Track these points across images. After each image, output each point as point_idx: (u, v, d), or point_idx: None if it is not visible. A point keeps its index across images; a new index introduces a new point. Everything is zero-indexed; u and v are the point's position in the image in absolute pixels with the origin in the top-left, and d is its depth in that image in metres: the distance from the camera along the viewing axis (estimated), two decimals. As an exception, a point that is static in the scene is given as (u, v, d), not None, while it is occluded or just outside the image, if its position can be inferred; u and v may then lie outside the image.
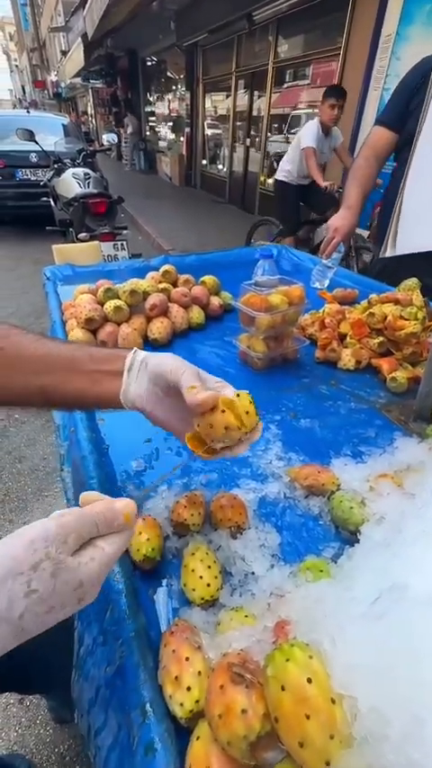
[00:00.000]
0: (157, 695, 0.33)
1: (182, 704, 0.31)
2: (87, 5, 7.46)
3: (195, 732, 0.31)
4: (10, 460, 1.87)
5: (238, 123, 6.75)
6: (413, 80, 1.17)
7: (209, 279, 1.12)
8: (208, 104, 7.89)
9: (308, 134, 2.88)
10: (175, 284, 1.08)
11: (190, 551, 0.44)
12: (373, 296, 0.94)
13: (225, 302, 1.10)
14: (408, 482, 0.51)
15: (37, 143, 3.73)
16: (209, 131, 8.05)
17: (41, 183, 4.10)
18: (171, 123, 9.79)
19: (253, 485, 0.57)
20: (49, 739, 1.05)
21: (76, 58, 11.96)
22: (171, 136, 9.83)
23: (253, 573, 0.44)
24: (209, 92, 7.74)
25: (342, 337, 0.93)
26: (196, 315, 1.02)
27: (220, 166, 7.66)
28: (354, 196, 1.27)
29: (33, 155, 4.72)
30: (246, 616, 0.38)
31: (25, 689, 0.91)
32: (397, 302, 0.90)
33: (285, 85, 5.33)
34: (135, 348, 0.45)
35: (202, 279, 1.12)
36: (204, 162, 8.33)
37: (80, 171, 3.50)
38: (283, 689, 0.26)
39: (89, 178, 3.43)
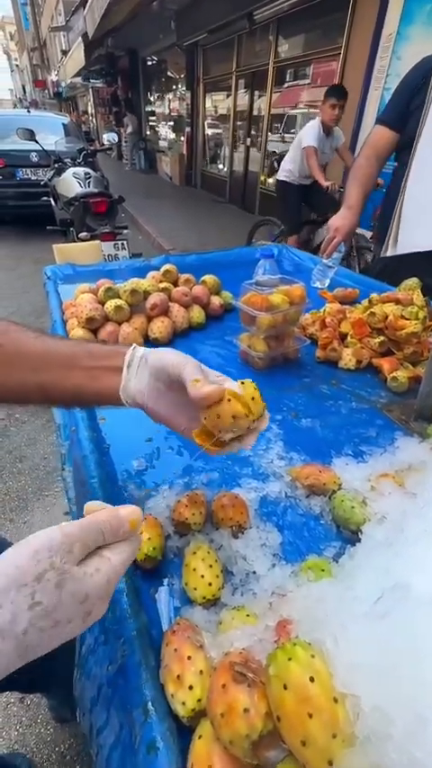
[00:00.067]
0: (159, 694, 0.33)
1: (184, 703, 0.31)
2: (88, 5, 7.46)
3: (197, 731, 0.31)
4: (10, 460, 1.88)
5: (239, 123, 6.75)
6: (414, 79, 1.17)
7: (209, 278, 1.12)
8: (208, 104, 7.89)
9: (309, 133, 2.88)
10: (175, 284, 1.08)
11: (191, 550, 0.44)
12: (374, 295, 0.94)
13: (226, 302, 1.10)
14: (409, 482, 0.51)
15: (37, 142, 3.73)
16: (209, 131, 8.05)
17: (42, 183, 4.10)
18: (171, 123, 9.79)
19: (254, 484, 0.57)
20: (50, 738, 1.05)
21: (77, 58, 11.95)
22: (171, 135, 9.83)
23: (254, 572, 0.44)
24: (209, 91, 7.73)
25: (343, 337, 0.93)
26: (197, 314, 1.02)
27: (221, 166, 7.66)
28: (354, 196, 1.27)
29: (34, 154, 4.72)
30: (247, 615, 0.38)
31: (26, 688, 0.91)
32: (398, 302, 0.90)
33: (286, 85, 5.33)
34: (134, 344, 0.44)
35: (202, 278, 1.12)
36: (205, 162, 8.33)
37: (81, 170, 3.50)
38: (285, 688, 0.26)
39: (90, 177, 3.43)
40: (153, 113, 11.29)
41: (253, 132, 6.31)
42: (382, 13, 3.32)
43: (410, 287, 0.97)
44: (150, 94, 11.22)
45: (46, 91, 23.32)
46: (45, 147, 3.85)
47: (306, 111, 4.95)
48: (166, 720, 0.31)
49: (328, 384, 0.83)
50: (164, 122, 10.43)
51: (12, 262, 4.35)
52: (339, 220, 1.24)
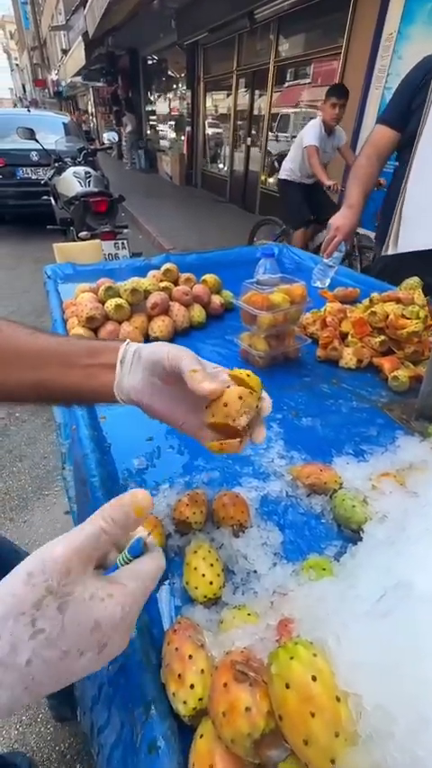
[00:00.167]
0: (161, 693, 0.33)
1: (185, 702, 0.31)
2: (88, 4, 7.45)
3: (199, 730, 0.30)
4: (10, 459, 1.88)
5: (239, 122, 6.74)
6: (415, 79, 1.17)
7: (210, 277, 1.11)
8: (209, 103, 7.88)
9: (310, 132, 2.87)
10: (176, 283, 1.08)
11: (192, 549, 0.44)
12: (375, 295, 0.94)
13: (226, 301, 1.10)
14: (410, 481, 0.51)
15: (38, 141, 3.74)
16: (210, 130, 8.05)
17: (42, 182, 4.10)
18: (172, 122, 9.78)
19: (255, 483, 0.57)
20: (50, 737, 1.05)
21: (77, 57, 11.94)
22: (172, 135, 9.83)
23: (255, 571, 0.44)
24: (210, 91, 7.73)
25: (343, 336, 0.92)
26: (197, 313, 1.02)
27: (221, 166, 7.66)
28: (355, 195, 1.27)
29: (34, 153, 4.72)
30: (248, 614, 0.38)
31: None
32: (398, 301, 0.90)
33: (286, 84, 5.32)
34: (128, 339, 0.43)
35: (203, 277, 1.12)
36: (205, 161, 8.32)
37: (81, 170, 3.50)
38: (287, 687, 0.26)
39: (90, 177, 3.42)
40: (153, 113, 11.29)
41: (253, 132, 6.31)
42: (382, 13, 3.32)
43: (411, 286, 0.97)
44: (151, 94, 11.21)
45: (46, 90, 23.31)
46: (45, 147, 3.86)
47: (305, 110, 4.95)
48: (168, 719, 0.31)
49: (328, 383, 0.83)
50: (164, 122, 10.43)
51: (12, 261, 4.35)
52: (340, 219, 1.24)
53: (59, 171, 3.70)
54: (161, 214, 6.03)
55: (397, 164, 1.30)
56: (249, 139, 6.38)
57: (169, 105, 9.85)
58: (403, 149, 1.24)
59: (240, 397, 0.37)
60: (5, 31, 46.28)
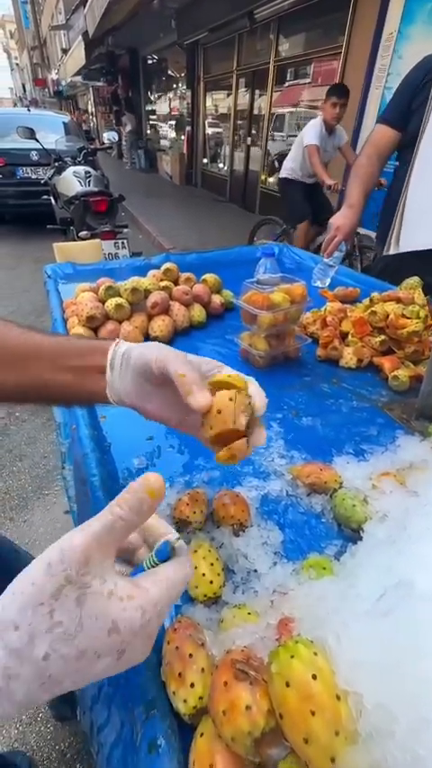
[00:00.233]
0: (161, 692, 0.33)
1: (185, 701, 0.31)
2: (88, 4, 7.45)
3: (199, 729, 0.30)
4: (10, 459, 1.88)
5: (239, 122, 6.74)
6: (416, 78, 1.17)
7: (210, 277, 1.11)
8: (209, 103, 7.88)
9: (311, 132, 2.87)
10: (176, 282, 1.08)
11: (192, 548, 0.44)
12: (375, 294, 0.94)
13: (226, 300, 1.10)
14: (410, 480, 0.51)
15: (38, 141, 3.73)
16: (210, 130, 8.04)
17: (42, 182, 4.10)
18: (172, 122, 9.78)
19: (255, 482, 0.57)
20: (50, 736, 1.05)
21: (77, 57, 11.94)
22: (172, 134, 9.82)
23: (255, 570, 0.44)
24: (210, 90, 7.73)
25: (344, 336, 0.92)
26: (198, 313, 1.02)
27: (221, 165, 7.66)
28: (356, 195, 1.27)
29: (34, 153, 4.72)
30: (249, 613, 0.38)
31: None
32: (399, 301, 0.90)
33: (286, 84, 5.32)
34: (118, 339, 0.42)
35: (203, 277, 1.12)
36: (205, 161, 8.32)
37: (81, 169, 3.50)
38: (287, 685, 0.26)
39: (90, 176, 3.42)
40: (153, 112, 11.29)
41: (253, 131, 6.31)
42: (382, 13, 3.31)
43: (411, 286, 0.97)
44: (151, 93, 11.21)
45: (46, 89, 23.29)
46: (45, 146, 3.85)
47: (305, 110, 4.95)
48: (168, 718, 0.31)
49: (328, 383, 0.83)
50: (164, 121, 10.43)
51: (12, 261, 4.34)
52: (340, 219, 1.24)
53: (59, 170, 3.70)
54: (161, 214, 6.03)
55: (397, 163, 1.30)
56: (249, 139, 6.37)
57: (169, 105, 9.85)
58: (404, 149, 1.24)
59: (231, 399, 0.36)
60: (5, 30, 46.28)
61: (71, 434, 0.69)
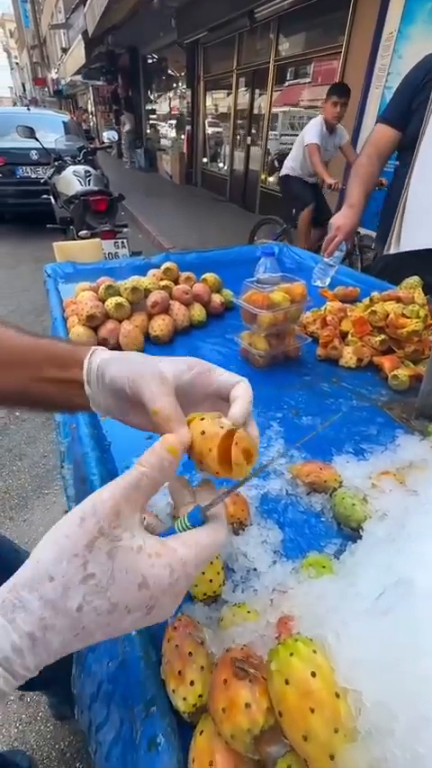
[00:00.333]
0: (161, 690, 0.33)
1: (185, 699, 0.31)
2: (88, 3, 7.44)
3: (199, 726, 0.31)
4: (10, 458, 1.87)
5: (239, 121, 6.74)
6: (416, 78, 1.17)
7: (210, 276, 1.11)
8: (209, 102, 7.87)
9: (311, 131, 2.87)
10: (176, 282, 1.08)
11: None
12: (375, 294, 0.94)
13: (226, 300, 1.10)
14: (410, 479, 0.51)
15: (37, 140, 3.73)
16: (210, 129, 8.04)
17: (42, 181, 4.09)
18: (172, 121, 9.77)
19: (255, 481, 0.57)
20: (50, 736, 1.05)
21: (77, 56, 11.93)
22: (172, 134, 9.81)
23: (255, 569, 0.44)
24: (210, 90, 7.72)
25: (344, 335, 0.93)
26: (198, 312, 1.02)
27: (221, 165, 7.65)
28: (356, 195, 1.27)
29: (34, 152, 4.71)
30: (248, 612, 0.38)
31: (25, 686, 0.91)
32: (399, 300, 0.90)
33: (287, 84, 5.32)
34: (93, 349, 0.38)
35: (203, 276, 1.12)
36: (205, 160, 8.32)
37: (81, 168, 3.49)
38: (287, 683, 0.26)
39: (90, 176, 3.42)
40: (153, 111, 11.28)
41: (253, 131, 6.30)
42: (382, 12, 3.31)
43: (411, 285, 0.97)
44: (151, 92, 11.20)
45: (46, 89, 23.27)
46: (45, 145, 3.85)
47: (304, 110, 4.94)
48: (168, 716, 0.31)
49: (328, 382, 0.83)
50: (164, 120, 10.42)
51: (12, 260, 4.34)
52: (341, 219, 1.24)
53: (59, 170, 3.69)
54: (161, 213, 6.03)
55: (398, 163, 1.30)
56: (249, 138, 6.37)
57: (169, 104, 9.84)
58: (404, 149, 1.24)
59: (202, 419, 0.31)
60: (5, 29, 46.23)
61: (71, 433, 0.69)
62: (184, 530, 0.28)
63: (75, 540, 0.22)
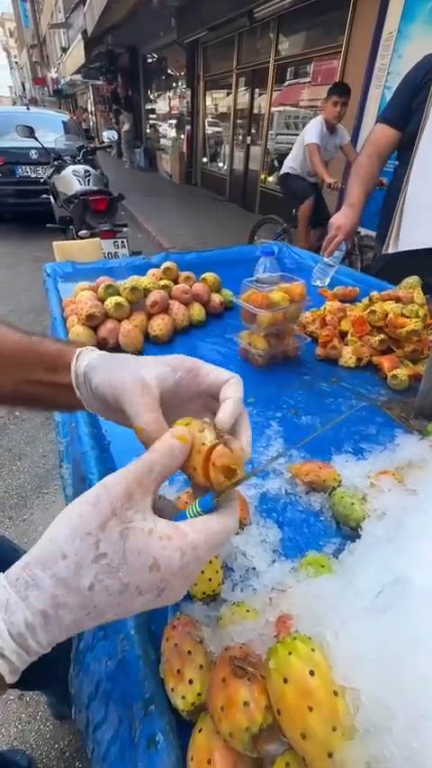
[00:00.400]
0: (159, 689, 0.33)
1: (184, 697, 0.31)
2: (87, 2, 7.44)
3: (198, 725, 0.31)
4: (10, 458, 1.87)
5: (239, 121, 6.73)
6: (416, 78, 1.17)
7: (210, 276, 1.11)
8: (209, 102, 7.87)
9: (312, 131, 2.87)
10: (176, 281, 1.08)
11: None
12: (374, 293, 0.94)
13: (226, 299, 1.10)
14: (409, 478, 0.51)
15: (37, 140, 3.72)
16: (209, 129, 8.03)
17: (41, 180, 4.09)
18: (172, 121, 9.76)
19: (254, 481, 0.57)
20: (49, 735, 1.05)
21: (77, 55, 11.92)
22: (172, 133, 9.81)
23: (254, 568, 0.45)
24: (209, 89, 7.72)
25: (343, 335, 0.93)
26: (197, 312, 1.02)
27: (221, 164, 7.65)
28: (356, 194, 1.27)
29: (33, 151, 4.71)
30: (247, 611, 0.38)
31: (24, 686, 0.92)
32: (398, 300, 0.90)
33: (286, 83, 5.32)
34: (78, 351, 0.37)
35: (202, 276, 1.12)
36: (205, 160, 8.31)
37: (80, 168, 3.49)
38: (285, 681, 0.26)
39: (89, 175, 3.42)
40: (153, 111, 11.27)
41: (253, 130, 6.30)
42: (382, 12, 3.31)
43: (411, 285, 0.97)
44: (150, 92, 11.20)
45: (45, 88, 23.25)
46: (45, 145, 3.84)
47: (304, 110, 4.94)
48: (166, 715, 0.31)
49: (328, 382, 0.83)
50: (164, 120, 10.41)
51: (11, 260, 4.34)
52: (341, 219, 1.23)
53: (59, 169, 3.69)
54: (161, 213, 6.02)
55: (397, 163, 1.30)
56: (249, 138, 6.37)
57: (169, 104, 9.83)
58: (404, 149, 1.24)
59: (187, 423, 0.29)
60: (5, 28, 46.18)
61: (70, 433, 0.69)
62: (196, 516, 0.28)
63: (88, 519, 0.23)
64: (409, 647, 0.25)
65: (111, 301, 0.92)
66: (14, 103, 28.53)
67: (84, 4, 8.02)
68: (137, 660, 0.34)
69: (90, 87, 15.60)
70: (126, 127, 10.95)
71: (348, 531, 0.49)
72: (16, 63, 42.50)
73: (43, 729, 1.06)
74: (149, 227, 5.32)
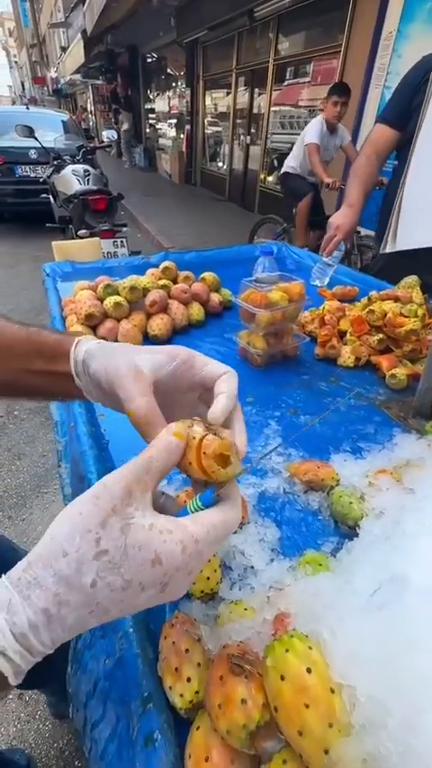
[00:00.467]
0: (158, 687, 0.33)
1: (182, 695, 0.31)
2: (87, 1, 7.43)
3: (195, 722, 0.31)
4: (9, 457, 1.87)
5: (239, 121, 6.73)
6: (415, 78, 1.17)
7: (209, 276, 1.12)
8: (208, 101, 7.86)
9: (312, 130, 2.87)
10: (175, 281, 1.08)
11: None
12: (373, 293, 0.94)
13: (225, 299, 1.10)
14: (407, 477, 0.51)
15: (36, 139, 3.72)
16: (209, 129, 8.03)
17: (41, 180, 4.09)
18: (171, 120, 9.76)
19: (252, 480, 0.57)
20: (49, 734, 1.05)
21: (76, 55, 11.91)
22: (171, 133, 9.80)
23: (252, 567, 0.45)
24: (209, 89, 7.71)
25: (342, 334, 0.93)
26: (196, 311, 1.02)
27: (221, 164, 7.65)
28: (355, 194, 1.27)
29: (33, 151, 4.70)
30: (245, 609, 0.38)
31: (24, 685, 0.92)
32: (397, 299, 0.90)
33: (286, 83, 5.31)
34: (77, 339, 0.37)
35: (201, 276, 1.12)
36: (204, 159, 8.31)
37: (80, 168, 3.49)
38: (282, 679, 0.26)
39: (89, 175, 3.42)
40: (153, 111, 11.26)
41: (253, 130, 6.29)
42: (382, 11, 3.31)
43: (409, 285, 0.97)
44: (150, 92, 11.18)
45: (45, 88, 23.23)
46: (44, 144, 3.84)
47: (303, 111, 4.94)
48: (164, 712, 0.31)
49: (326, 381, 0.83)
50: (164, 120, 10.41)
51: (11, 259, 4.34)
52: (340, 218, 1.24)
53: (58, 169, 3.69)
54: (160, 212, 6.02)
55: (397, 162, 1.30)
56: (249, 138, 6.36)
57: (169, 103, 9.82)
58: (403, 149, 1.24)
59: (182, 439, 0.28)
60: (4, 28, 46.12)
61: (69, 432, 0.69)
62: (197, 510, 0.28)
63: (88, 517, 0.23)
64: (406, 645, 0.25)
65: (110, 301, 0.92)
66: (14, 103, 28.52)
67: (83, 4, 8.01)
68: (135, 658, 0.35)
69: (89, 87, 15.58)
70: (125, 126, 10.95)
71: (346, 529, 0.49)
72: (16, 62, 42.45)
73: (42, 728, 1.06)
74: (149, 227, 5.32)
